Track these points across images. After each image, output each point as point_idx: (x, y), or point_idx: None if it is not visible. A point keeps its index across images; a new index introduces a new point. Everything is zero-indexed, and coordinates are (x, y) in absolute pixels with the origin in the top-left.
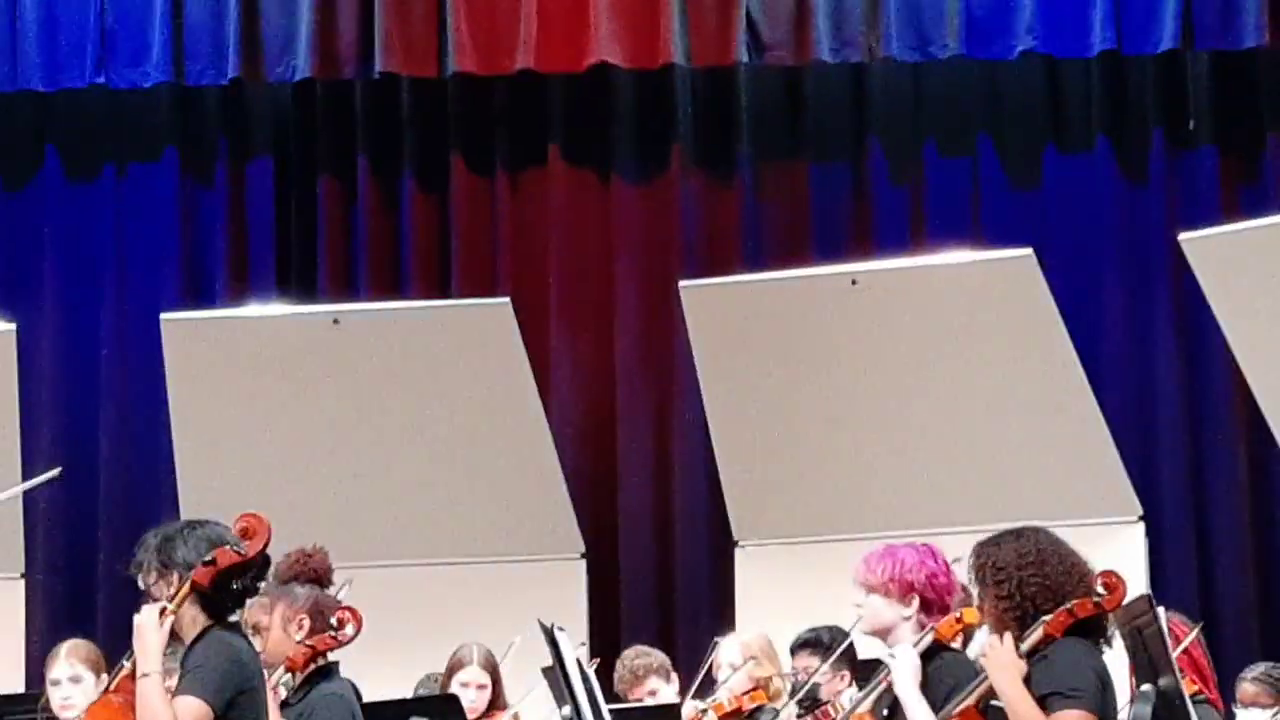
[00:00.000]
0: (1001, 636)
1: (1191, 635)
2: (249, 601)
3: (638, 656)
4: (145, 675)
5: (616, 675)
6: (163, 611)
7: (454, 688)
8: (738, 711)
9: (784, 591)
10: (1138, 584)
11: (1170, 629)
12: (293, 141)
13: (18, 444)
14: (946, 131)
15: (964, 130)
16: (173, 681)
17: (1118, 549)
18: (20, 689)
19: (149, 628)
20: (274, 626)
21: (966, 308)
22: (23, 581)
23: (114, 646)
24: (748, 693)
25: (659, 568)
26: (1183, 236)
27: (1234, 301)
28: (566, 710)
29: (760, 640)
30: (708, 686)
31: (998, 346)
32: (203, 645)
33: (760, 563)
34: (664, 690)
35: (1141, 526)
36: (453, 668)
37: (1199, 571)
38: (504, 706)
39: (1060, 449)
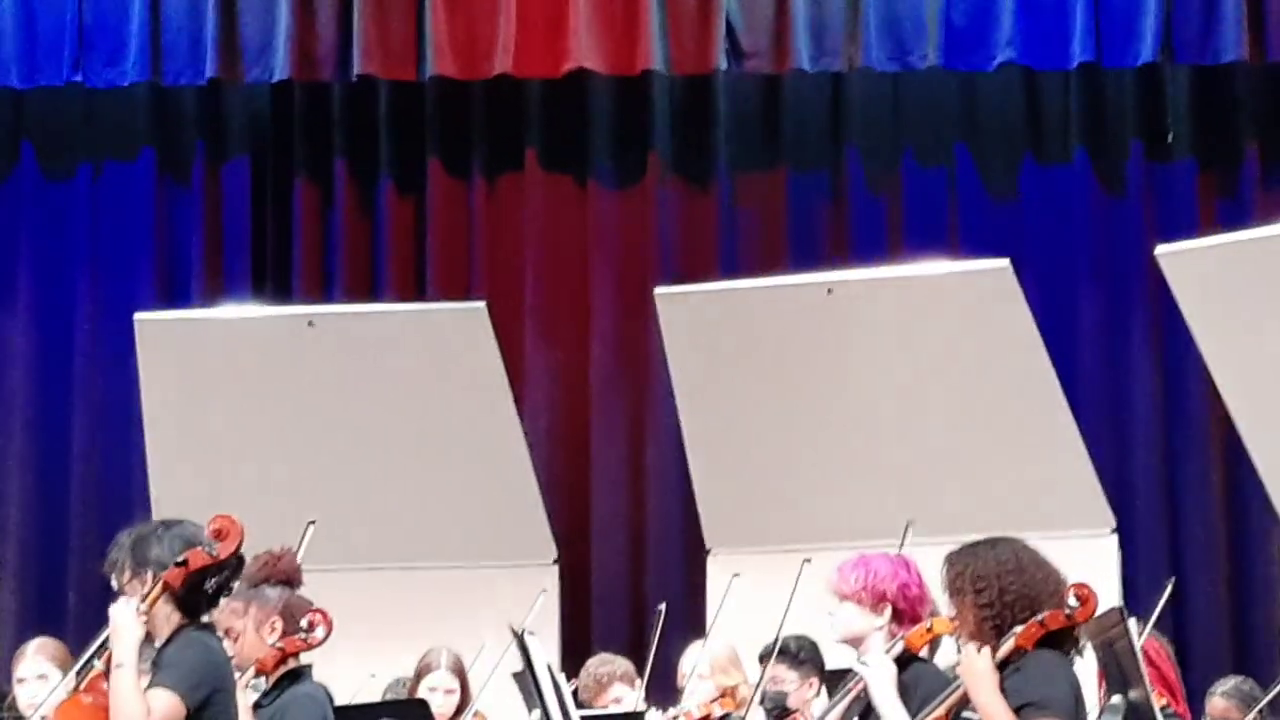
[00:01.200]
0: (979, 647)
1: (1143, 635)
2: (221, 604)
3: (602, 664)
4: (119, 666)
5: (580, 683)
6: (136, 611)
7: (422, 692)
8: (705, 719)
9: (756, 600)
10: (1110, 596)
11: (1142, 645)
12: (269, 143)
13: None
14: (924, 142)
15: (942, 141)
16: (145, 682)
17: (1090, 561)
18: None
19: (126, 620)
20: (246, 630)
21: (942, 318)
22: None
23: (84, 645)
24: (715, 700)
25: (631, 574)
26: (1159, 250)
27: (1210, 315)
28: (536, 715)
29: (726, 650)
30: (674, 695)
31: (973, 357)
32: (178, 644)
33: (732, 570)
34: (628, 698)
35: (1114, 539)
36: (421, 672)
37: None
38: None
39: (1034, 461)
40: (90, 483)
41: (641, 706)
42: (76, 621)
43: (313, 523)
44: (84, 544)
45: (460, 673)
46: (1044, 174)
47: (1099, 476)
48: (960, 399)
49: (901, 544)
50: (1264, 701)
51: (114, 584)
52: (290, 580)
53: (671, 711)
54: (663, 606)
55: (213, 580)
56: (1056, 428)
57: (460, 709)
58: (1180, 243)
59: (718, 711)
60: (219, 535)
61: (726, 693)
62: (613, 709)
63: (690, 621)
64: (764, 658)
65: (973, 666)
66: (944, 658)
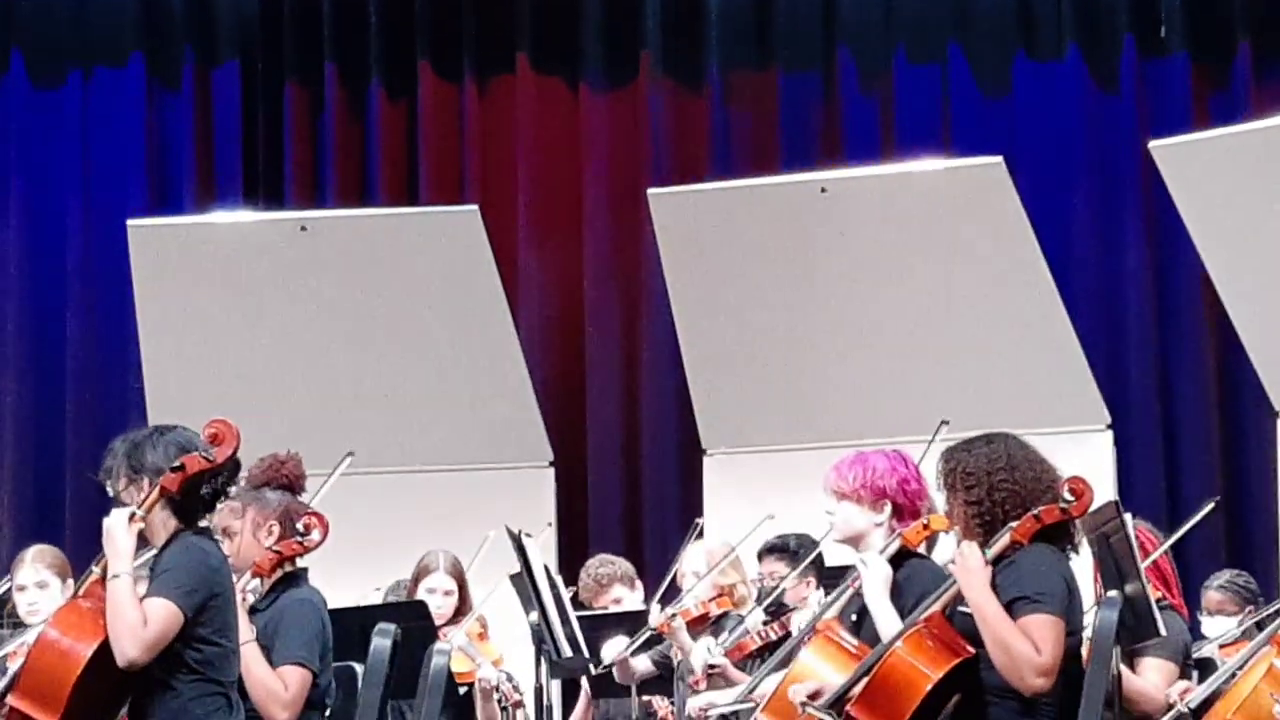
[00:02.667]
0: (975, 543)
1: (1161, 549)
2: (219, 506)
3: (601, 565)
4: (115, 577)
5: (580, 584)
6: (132, 517)
7: (421, 594)
8: (704, 618)
9: (751, 499)
10: (1105, 492)
11: (1138, 539)
12: (259, 47)
13: None
14: (916, 39)
15: (934, 38)
16: (143, 587)
17: (1086, 457)
18: None
19: (119, 530)
20: (244, 532)
21: (936, 216)
22: None
23: (81, 552)
24: (714, 599)
25: (627, 476)
26: (1153, 144)
27: (1204, 209)
28: (534, 615)
29: (724, 548)
30: (673, 593)
31: (967, 254)
32: (173, 550)
33: (728, 470)
34: (628, 598)
35: (1110, 434)
36: (419, 574)
37: (1166, 479)
38: (469, 612)
39: (1029, 357)
40: (86, 390)
41: (641, 607)
42: (73, 529)
43: (351, 454)
44: (80, 452)
45: (458, 575)
46: (1037, 70)
47: (1094, 372)
48: (954, 296)
49: (931, 442)
50: (1265, 613)
51: (110, 491)
52: (292, 485)
53: (670, 610)
54: (700, 520)
55: (209, 485)
56: (1051, 324)
57: (459, 610)
58: (1174, 137)
59: (715, 610)
60: (215, 439)
61: (724, 591)
62: (613, 609)
63: (687, 522)
64: (762, 555)
65: (966, 562)
66: (942, 554)
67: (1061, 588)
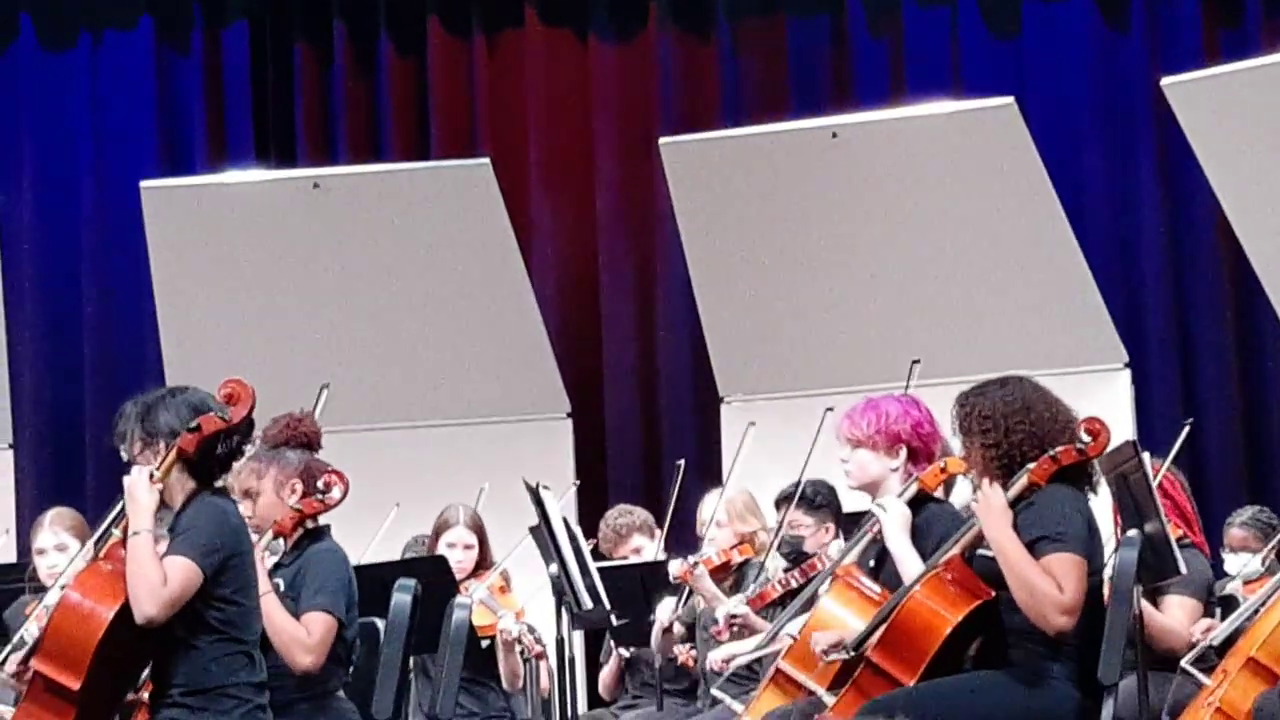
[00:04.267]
0: (990, 484)
1: (1162, 470)
2: (236, 466)
3: (620, 515)
4: (136, 534)
5: (600, 534)
6: (151, 477)
7: (441, 549)
8: (725, 566)
9: (771, 446)
10: (1124, 431)
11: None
12: (268, 6)
13: (1, 316)
14: None
15: None
16: (162, 547)
17: (1104, 397)
18: (12, 559)
19: (140, 487)
20: (266, 491)
21: (948, 159)
22: (11, 452)
23: (101, 515)
24: (734, 547)
25: (644, 425)
26: (1165, 81)
27: (1217, 145)
28: (554, 568)
29: (743, 496)
30: (694, 543)
31: (980, 197)
32: (193, 509)
33: (745, 418)
34: (648, 548)
35: (1128, 374)
36: (439, 529)
37: (1184, 417)
38: (491, 566)
39: (1045, 298)
40: (103, 353)
41: (661, 556)
42: (94, 492)
43: (326, 386)
44: (99, 415)
45: (478, 529)
46: (1047, 10)
47: (1110, 311)
48: (968, 239)
49: (907, 384)
50: None
51: (124, 455)
52: (311, 443)
53: (691, 559)
54: (681, 462)
55: (224, 444)
56: (1066, 264)
57: (479, 564)
58: (1186, 74)
59: (737, 558)
60: (230, 399)
61: (745, 539)
62: (632, 559)
63: (706, 470)
64: (781, 503)
65: (988, 503)
66: (959, 497)
67: (1082, 527)
